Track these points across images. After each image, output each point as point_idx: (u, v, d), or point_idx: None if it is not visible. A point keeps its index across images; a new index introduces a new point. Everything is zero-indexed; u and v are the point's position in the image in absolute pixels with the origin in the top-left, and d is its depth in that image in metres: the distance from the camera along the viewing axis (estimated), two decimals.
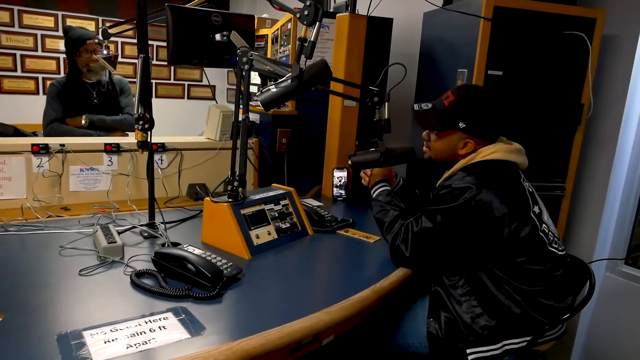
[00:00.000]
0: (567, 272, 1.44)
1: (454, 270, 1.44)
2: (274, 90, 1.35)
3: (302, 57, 1.30)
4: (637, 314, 2.22)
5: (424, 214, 1.42)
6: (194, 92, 5.51)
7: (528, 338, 1.37)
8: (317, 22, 1.25)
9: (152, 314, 1.07)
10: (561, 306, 1.40)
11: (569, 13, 2.03)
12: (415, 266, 1.46)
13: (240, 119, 1.47)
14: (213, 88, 5.55)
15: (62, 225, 1.62)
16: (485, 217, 1.34)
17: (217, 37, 1.88)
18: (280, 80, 1.35)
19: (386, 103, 1.50)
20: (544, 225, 1.42)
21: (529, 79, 2.07)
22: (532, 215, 1.39)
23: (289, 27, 2.57)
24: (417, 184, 1.93)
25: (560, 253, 1.44)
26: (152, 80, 5.16)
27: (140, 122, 1.48)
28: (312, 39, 1.28)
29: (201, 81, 5.50)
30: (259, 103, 2.50)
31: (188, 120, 4.94)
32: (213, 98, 5.58)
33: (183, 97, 5.44)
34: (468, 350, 1.38)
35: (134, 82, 2.95)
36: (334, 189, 2.25)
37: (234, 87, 5.40)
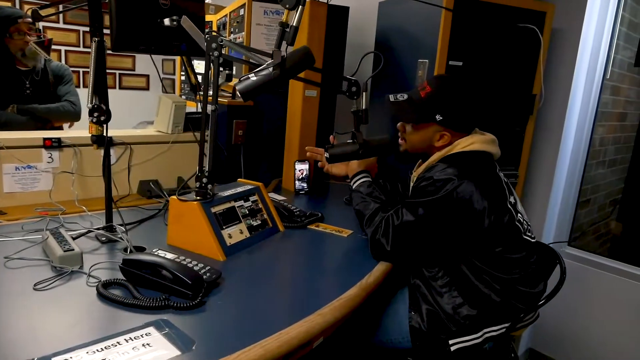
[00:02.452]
0: (538, 258, 1.48)
1: (433, 262, 1.43)
2: (254, 78, 1.25)
3: (283, 44, 1.22)
4: (581, 293, 2.37)
5: (405, 207, 1.39)
6: (126, 82, 5.18)
7: (507, 324, 1.40)
8: (300, 6, 1.17)
9: (131, 330, 0.95)
10: (535, 292, 1.44)
11: (522, 6, 2.09)
12: (395, 260, 1.43)
13: (209, 110, 1.36)
14: (147, 78, 5.26)
15: (1, 232, 1.42)
16: (466, 209, 1.33)
17: (166, 21, 1.73)
18: (260, 68, 1.25)
19: (364, 93, 1.45)
20: (519, 214, 1.44)
21: (486, 70, 2.11)
22: (509, 206, 1.41)
23: (241, 14, 2.45)
24: (385, 175, 1.91)
25: (532, 241, 1.47)
26: (78, 69, 4.73)
27: (95, 115, 1.32)
28: (294, 24, 1.20)
29: (134, 70, 5.18)
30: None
31: (121, 112, 4.61)
32: (147, 88, 5.29)
33: (114, 87, 5.08)
34: (450, 341, 1.38)
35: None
36: (296, 182, 2.18)
37: (170, 76, 5.15)
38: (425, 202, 1.35)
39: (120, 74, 5.10)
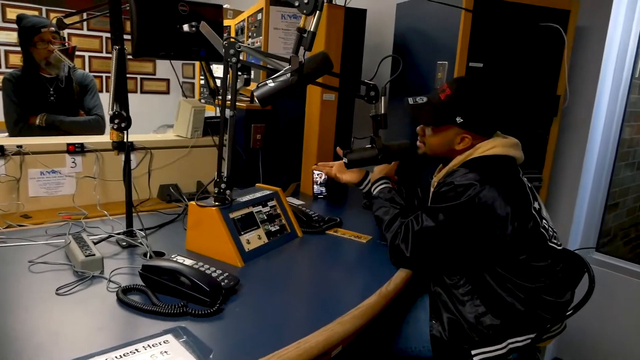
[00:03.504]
0: (565, 266, 1.43)
1: (454, 270, 1.40)
2: (272, 84, 1.24)
3: (301, 49, 1.21)
4: (609, 300, 2.29)
5: (425, 212, 1.37)
6: (147, 86, 5.26)
7: (532, 335, 1.36)
8: (318, 11, 1.16)
9: (149, 337, 0.96)
10: (562, 301, 1.39)
11: (544, 4, 2.04)
12: (415, 266, 1.40)
13: (228, 115, 1.35)
14: (168, 82, 5.33)
15: (26, 236, 1.45)
16: (489, 215, 1.30)
17: (185, 27, 1.74)
18: (277, 74, 1.25)
19: (383, 97, 1.43)
20: (544, 220, 1.40)
21: (508, 71, 2.07)
22: (534, 212, 1.37)
23: (258, 18, 2.45)
24: (403, 180, 1.88)
25: (558, 248, 1.43)
26: (102, 74, 4.81)
27: (116, 121, 1.34)
28: (312, 29, 1.19)
29: (154, 74, 5.25)
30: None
31: (142, 115, 4.67)
32: (168, 92, 5.36)
33: (136, 92, 5.17)
34: (473, 352, 1.35)
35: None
36: (315, 186, 2.17)
37: (190, 80, 5.21)
38: (446, 207, 1.33)
39: (141, 79, 5.18)
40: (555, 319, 1.37)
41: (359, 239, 1.65)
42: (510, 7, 1.99)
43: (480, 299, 1.36)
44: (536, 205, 1.39)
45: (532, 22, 2.04)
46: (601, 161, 2.37)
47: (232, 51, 1.32)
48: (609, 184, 2.42)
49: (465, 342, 1.35)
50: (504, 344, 1.34)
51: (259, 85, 1.28)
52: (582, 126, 2.31)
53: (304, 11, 1.15)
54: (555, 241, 1.42)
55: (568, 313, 1.39)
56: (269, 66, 1.32)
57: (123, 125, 1.35)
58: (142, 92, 5.23)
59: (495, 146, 1.40)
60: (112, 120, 1.33)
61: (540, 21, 2.05)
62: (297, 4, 1.16)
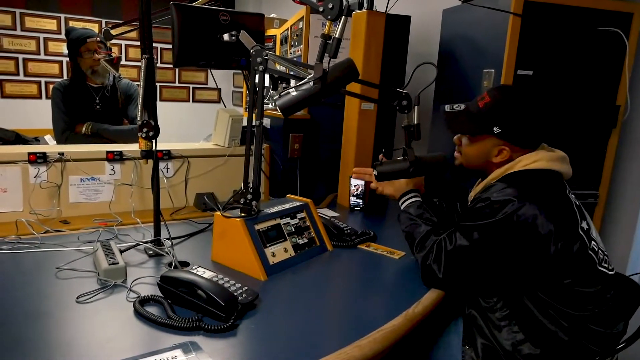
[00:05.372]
0: (617, 294, 1.29)
1: (491, 291, 1.30)
2: (294, 93, 1.21)
3: (326, 57, 1.16)
4: None
5: (459, 230, 1.28)
6: (199, 95, 5.40)
7: None
8: (343, 17, 1.11)
9: (158, 352, 0.93)
10: (613, 333, 1.26)
11: (603, 7, 1.89)
12: (448, 288, 1.31)
13: (254, 124, 1.33)
14: (219, 91, 5.44)
15: (59, 242, 1.48)
16: (529, 234, 1.19)
17: (226, 37, 1.75)
18: (300, 82, 1.21)
19: (416, 107, 1.35)
20: (593, 242, 1.27)
21: (561, 79, 1.93)
22: (581, 232, 1.24)
23: (300, 27, 2.43)
24: (438, 193, 1.78)
25: (610, 273, 1.29)
26: (156, 83, 5.01)
27: (144, 130, 1.34)
28: (336, 36, 1.14)
29: (206, 84, 5.38)
30: (269, 105, 2.37)
31: (193, 124, 4.83)
32: (219, 101, 5.47)
33: (188, 101, 5.32)
34: None
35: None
36: (351, 198, 2.11)
37: (240, 89, 5.29)
38: (481, 225, 1.23)
39: (193, 88, 5.32)
40: (604, 351, 1.23)
41: (391, 255, 1.57)
42: (564, 11, 1.86)
43: (519, 325, 1.25)
44: (584, 225, 1.27)
45: (588, 26, 1.89)
46: None
47: (259, 59, 1.29)
48: None
49: None
50: None
51: (282, 94, 1.25)
52: None
53: (329, 17, 1.11)
54: (606, 265, 1.28)
55: (620, 346, 1.24)
56: (291, 73, 1.28)
57: (151, 134, 1.35)
58: (194, 101, 5.38)
59: (538, 160, 1.29)
60: (140, 129, 1.34)
61: (597, 25, 1.90)
62: (321, 9, 1.12)
